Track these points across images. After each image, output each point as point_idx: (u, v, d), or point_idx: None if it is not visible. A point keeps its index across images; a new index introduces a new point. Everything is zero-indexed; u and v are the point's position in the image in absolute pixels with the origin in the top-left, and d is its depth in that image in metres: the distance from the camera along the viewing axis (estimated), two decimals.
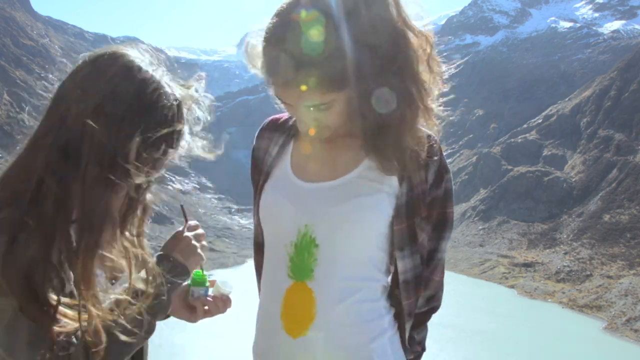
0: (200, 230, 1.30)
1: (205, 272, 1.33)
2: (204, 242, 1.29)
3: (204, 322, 1.38)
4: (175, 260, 1.19)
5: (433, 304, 1.36)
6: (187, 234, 1.26)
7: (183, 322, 1.41)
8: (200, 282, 1.31)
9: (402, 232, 1.22)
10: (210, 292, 1.32)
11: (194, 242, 1.25)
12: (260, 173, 1.37)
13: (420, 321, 1.35)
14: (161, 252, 1.22)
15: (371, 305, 1.26)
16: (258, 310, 1.37)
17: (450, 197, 1.28)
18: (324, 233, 1.23)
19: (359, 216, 1.21)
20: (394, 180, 1.23)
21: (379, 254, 1.26)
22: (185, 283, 1.32)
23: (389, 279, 1.29)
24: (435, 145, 1.24)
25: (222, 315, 1.33)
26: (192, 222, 1.29)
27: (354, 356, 1.23)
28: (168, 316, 1.35)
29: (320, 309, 1.23)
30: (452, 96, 1.25)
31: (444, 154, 1.26)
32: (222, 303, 1.32)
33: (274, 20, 1.13)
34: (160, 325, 1.22)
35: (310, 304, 1.23)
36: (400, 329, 1.30)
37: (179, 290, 1.30)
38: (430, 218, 1.26)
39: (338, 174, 1.26)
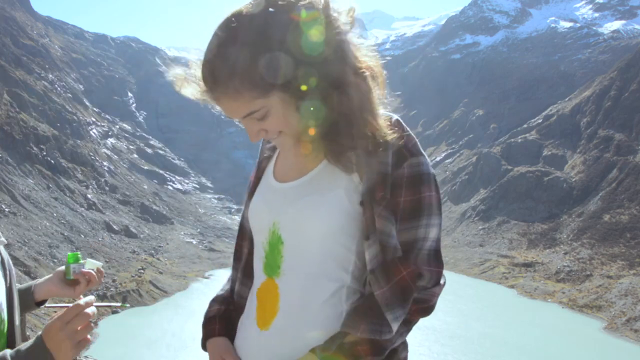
0: (77, 313, 1.21)
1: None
2: (80, 327, 1.21)
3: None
4: (44, 350, 1.19)
5: (421, 304, 1.24)
6: (55, 319, 1.20)
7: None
8: (76, 260, 1.58)
9: (367, 220, 1.20)
10: (85, 268, 1.60)
11: (60, 332, 1.19)
12: (257, 175, 1.45)
13: (405, 320, 1.25)
14: (40, 334, 1.21)
15: (333, 308, 1.25)
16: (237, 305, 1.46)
17: (421, 182, 1.22)
18: (287, 230, 1.27)
19: (314, 212, 1.23)
20: (354, 175, 1.23)
21: (343, 252, 1.25)
22: (61, 268, 1.61)
23: (363, 282, 1.27)
24: (396, 128, 1.22)
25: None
26: (77, 303, 1.23)
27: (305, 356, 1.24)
28: (43, 302, 1.62)
29: (282, 306, 1.27)
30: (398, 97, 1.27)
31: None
32: (99, 273, 1.61)
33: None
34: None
35: (275, 299, 1.28)
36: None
37: (57, 272, 1.62)
38: (396, 203, 1.20)
39: (301, 173, 1.30)
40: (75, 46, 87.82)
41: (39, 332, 1.22)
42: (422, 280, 1.21)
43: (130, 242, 46.63)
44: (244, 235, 1.45)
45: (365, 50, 1.21)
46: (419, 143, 1.26)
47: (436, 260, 1.24)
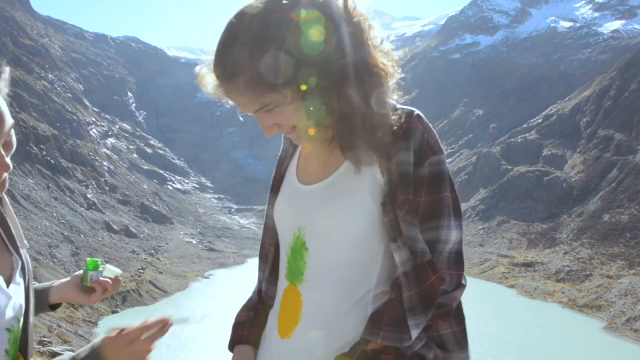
0: (145, 334, 1.23)
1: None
2: (142, 349, 1.23)
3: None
4: None
5: (442, 309, 1.20)
6: (121, 337, 1.22)
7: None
8: (95, 267, 1.52)
9: (391, 222, 1.17)
10: (103, 275, 1.55)
11: (124, 350, 1.21)
12: (279, 172, 1.41)
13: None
14: (97, 349, 1.22)
15: (358, 315, 1.23)
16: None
17: (442, 181, 1.19)
18: (312, 236, 1.25)
19: (341, 218, 1.20)
20: (377, 174, 1.20)
21: (369, 257, 1.23)
22: (79, 273, 1.57)
23: (389, 283, 1.25)
24: (413, 121, 1.18)
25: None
26: (140, 326, 1.24)
27: None
28: (58, 306, 1.59)
29: (305, 314, 1.24)
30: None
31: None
32: (116, 283, 1.55)
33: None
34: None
35: (298, 307, 1.25)
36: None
37: (74, 277, 1.58)
38: (417, 203, 1.18)
39: (325, 175, 1.27)
40: (75, 46, 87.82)
41: (97, 340, 1.23)
42: (444, 284, 1.19)
43: (130, 242, 46.64)
44: (270, 234, 1.41)
45: (380, 47, 1.19)
46: (439, 140, 1.22)
47: (457, 263, 1.22)
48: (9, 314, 1.34)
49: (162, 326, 1.25)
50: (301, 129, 1.21)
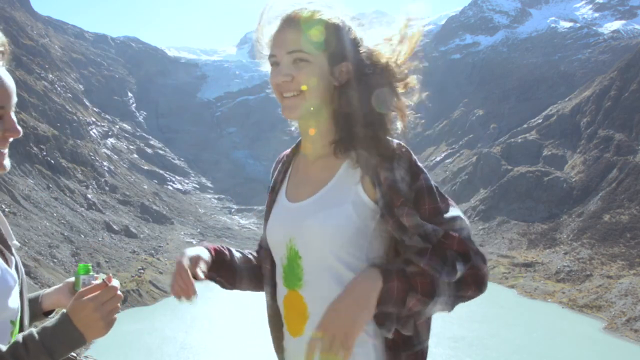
0: (111, 295, 1.31)
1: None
2: (114, 309, 1.30)
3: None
4: (72, 326, 1.24)
5: (473, 270, 1.29)
6: (90, 298, 1.27)
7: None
8: (87, 271, 1.54)
9: (394, 225, 1.31)
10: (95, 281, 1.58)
11: (95, 312, 1.26)
12: (270, 198, 1.57)
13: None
14: (65, 311, 1.27)
15: None
16: (268, 315, 1.58)
17: (434, 194, 1.34)
18: (303, 245, 1.40)
19: (323, 227, 1.35)
20: (359, 190, 1.35)
21: (354, 261, 1.36)
22: (71, 279, 1.61)
23: None
24: (398, 147, 1.35)
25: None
26: (109, 285, 1.31)
27: None
28: (51, 312, 1.64)
29: (311, 313, 1.39)
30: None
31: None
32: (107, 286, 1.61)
33: None
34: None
35: (303, 308, 1.41)
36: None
37: (66, 283, 1.63)
38: (422, 211, 1.31)
39: (313, 192, 1.43)
40: (75, 46, 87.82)
41: (62, 310, 1.28)
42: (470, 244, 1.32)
43: (130, 242, 46.63)
44: (265, 255, 1.57)
45: (385, 49, 1.40)
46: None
47: (473, 241, 1.33)
48: (14, 303, 1.38)
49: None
50: (305, 98, 1.36)
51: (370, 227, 1.36)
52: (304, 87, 1.35)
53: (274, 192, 1.56)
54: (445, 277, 1.24)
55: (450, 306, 1.28)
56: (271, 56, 1.39)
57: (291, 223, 1.43)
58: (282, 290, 1.47)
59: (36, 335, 1.21)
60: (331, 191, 1.39)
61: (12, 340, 1.24)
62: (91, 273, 1.56)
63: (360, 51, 1.38)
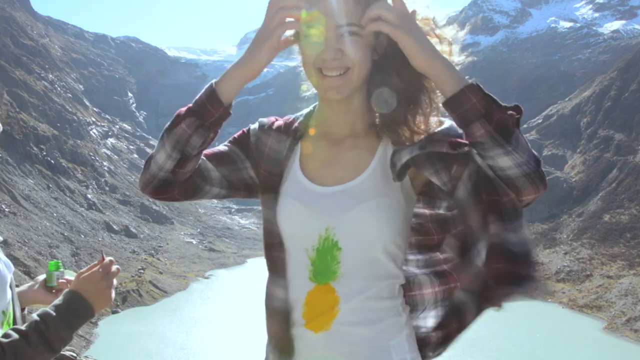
0: (113, 268, 1.48)
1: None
2: (114, 281, 1.47)
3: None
4: (82, 299, 1.39)
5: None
6: (94, 273, 1.43)
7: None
8: (58, 267, 1.67)
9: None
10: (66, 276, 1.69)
11: (101, 282, 1.42)
12: (273, 174, 1.34)
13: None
14: (71, 289, 1.41)
15: (390, 302, 1.29)
16: (272, 310, 1.36)
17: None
18: (345, 235, 1.26)
19: (378, 216, 1.24)
20: (405, 180, 1.27)
21: (396, 251, 1.29)
22: (42, 277, 1.69)
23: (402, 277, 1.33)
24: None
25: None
26: (106, 260, 1.48)
27: (374, 352, 1.27)
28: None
29: (343, 307, 1.26)
30: None
31: None
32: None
33: None
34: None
35: (334, 302, 1.27)
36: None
37: (39, 281, 1.69)
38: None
39: (351, 176, 1.29)
40: (75, 46, 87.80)
41: (66, 289, 1.43)
42: None
43: (130, 242, 46.63)
44: (278, 241, 1.33)
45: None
46: None
47: None
48: (6, 294, 1.43)
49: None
50: (353, 75, 1.22)
51: (410, 214, 1.30)
52: (353, 65, 1.20)
53: (276, 166, 1.34)
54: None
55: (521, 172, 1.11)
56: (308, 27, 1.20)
57: (327, 211, 1.26)
58: (304, 284, 1.29)
59: (52, 312, 1.33)
60: (375, 175, 1.27)
61: (3, 331, 1.29)
62: (61, 269, 1.69)
63: None
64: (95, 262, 1.45)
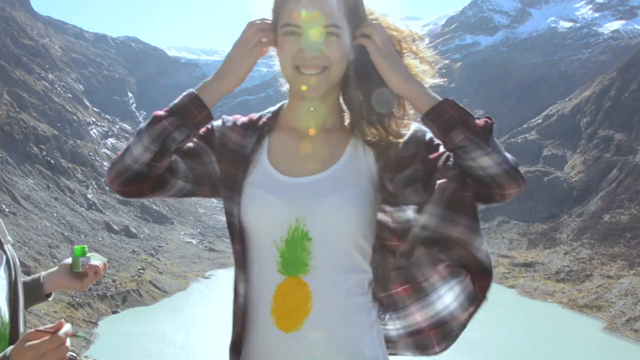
0: (58, 345, 1.15)
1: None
2: (67, 355, 1.18)
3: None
4: None
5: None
6: (40, 344, 1.13)
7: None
8: (84, 253, 1.62)
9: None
10: (91, 261, 1.65)
11: (46, 357, 1.13)
12: (236, 167, 1.32)
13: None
14: (6, 354, 1.17)
15: (361, 298, 1.28)
16: (240, 308, 1.32)
17: None
18: (317, 226, 1.24)
19: (350, 207, 1.24)
20: (374, 170, 1.30)
21: (365, 244, 1.29)
22: (67, 261, 1.64)
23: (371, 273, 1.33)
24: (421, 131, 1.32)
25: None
26: (65, 329, 1.17)
27: (348, 349, 1.25)
28: (50, 295, 1.62)
29: (315, 303, 1.24)
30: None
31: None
32: (103, 266, 1.67)
33: None
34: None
35: (306, 297, 1.24)
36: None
37: (63, 265, 1.65)
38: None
39: (323, 167, 1.29)
40: (75, 46, 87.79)
41: (5, 351, 1.16)
42: None
43: (130, 242, 46.62)
44: (239, 236, 1.31)
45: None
46: None
47: None
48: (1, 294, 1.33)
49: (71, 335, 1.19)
50: (330, 73, 1.25)
51: (377, 210, 1.31)
52: (330, 65, 1.23)
53: (240, 158, 1.32)
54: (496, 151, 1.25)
55: (500, 168, 1.21)
56: (290, 25, 1.23)
57: (298, 201, 1.24)
58: (272, 278, 1.26)
59: None
60: (346, 167, 1.28)
61: None
62: (87, 254, 1.63)
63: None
64: (48, 327, 1.16)
